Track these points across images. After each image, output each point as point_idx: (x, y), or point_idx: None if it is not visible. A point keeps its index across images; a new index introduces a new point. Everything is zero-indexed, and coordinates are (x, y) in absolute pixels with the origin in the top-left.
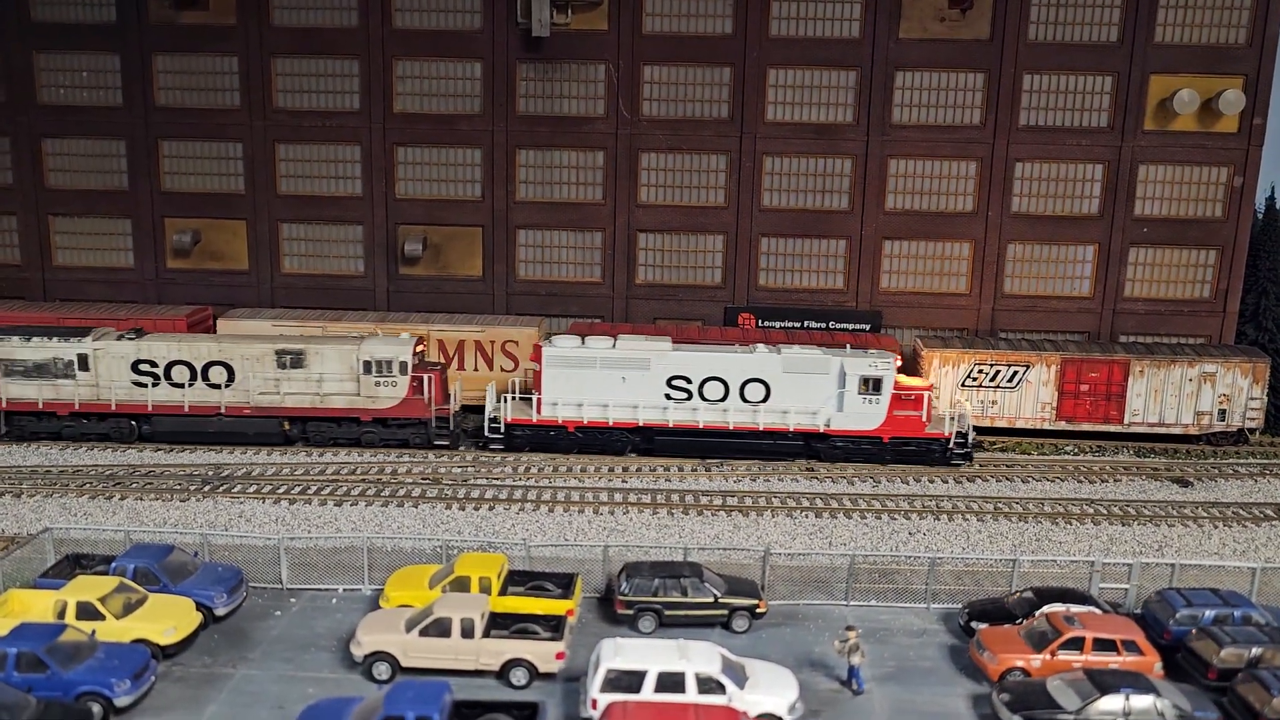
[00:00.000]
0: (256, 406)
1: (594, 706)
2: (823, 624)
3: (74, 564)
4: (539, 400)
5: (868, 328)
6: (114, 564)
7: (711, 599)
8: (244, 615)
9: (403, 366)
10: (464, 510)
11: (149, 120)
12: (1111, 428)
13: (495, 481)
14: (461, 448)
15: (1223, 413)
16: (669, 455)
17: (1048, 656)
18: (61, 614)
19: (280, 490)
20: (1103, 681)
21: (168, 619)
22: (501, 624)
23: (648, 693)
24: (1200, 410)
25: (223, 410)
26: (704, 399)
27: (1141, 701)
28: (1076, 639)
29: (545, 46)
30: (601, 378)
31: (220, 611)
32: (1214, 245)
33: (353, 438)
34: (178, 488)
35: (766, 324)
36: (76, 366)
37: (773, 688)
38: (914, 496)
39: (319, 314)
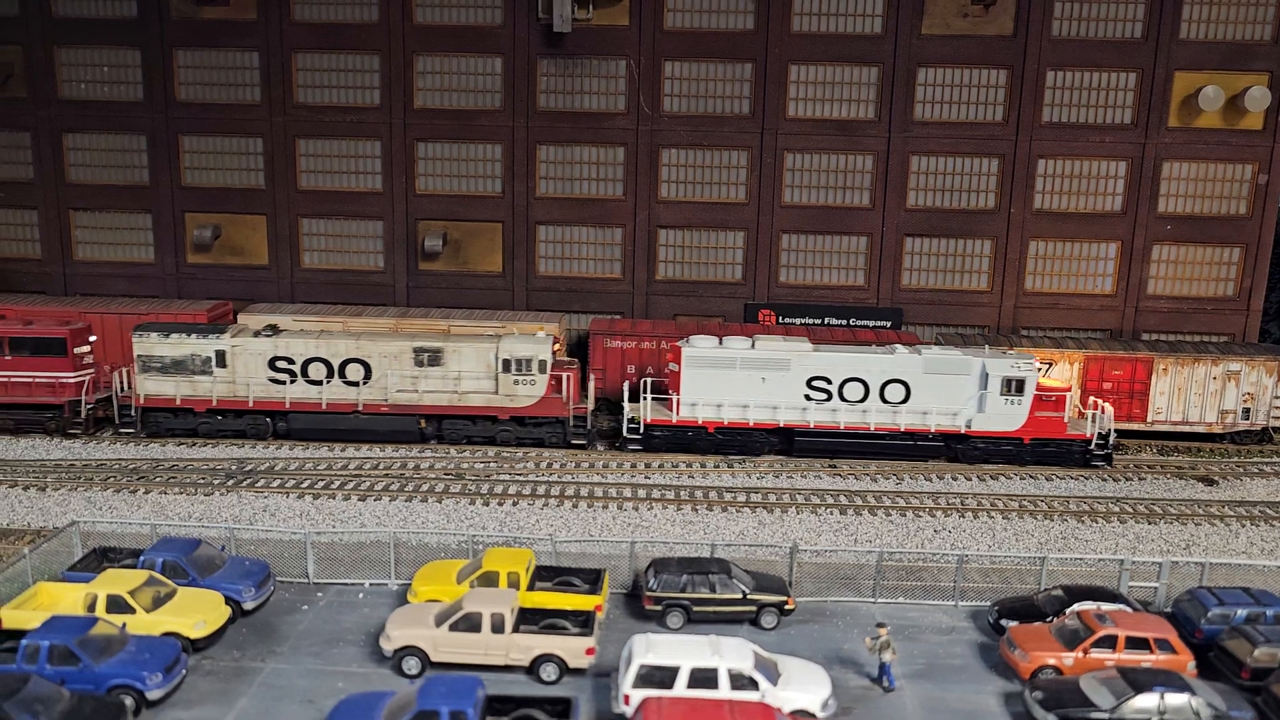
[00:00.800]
0: (394, 404)
1: (626, 702)
2: (851, 621)
3: (101, 557)
4: (677, 401)
5: (889, 325)
6: (142, 557)
7: (740, 595)
8: (272, 609)
9: (542, 365)
10: (488, 505)
11: (170, 115)
12: (1135, 425)
13: (519, 477)
14: (599, 448)
15: (1247, 411)
16: (808, 456)
17: (1080, 654)
18: (92, 607)
19: (304, 485)
20: (1137, 680)
21: (197, 613)
22: (530, 619)
23: (681, 689)
24: (1224, 409)
25: (360, 408)
26: (844, 400)
27: (1176, 700)
28: (1109, 637)
29: (566, 42)
30: (741, 378)
31: (248, 605)
32: (1238, 243)
33: (488, 436)
34: (202, 482)
35: (787, 320)
36: (214, 363)
37: (806, 684)
38: (938, 494)
39: (339, 309)
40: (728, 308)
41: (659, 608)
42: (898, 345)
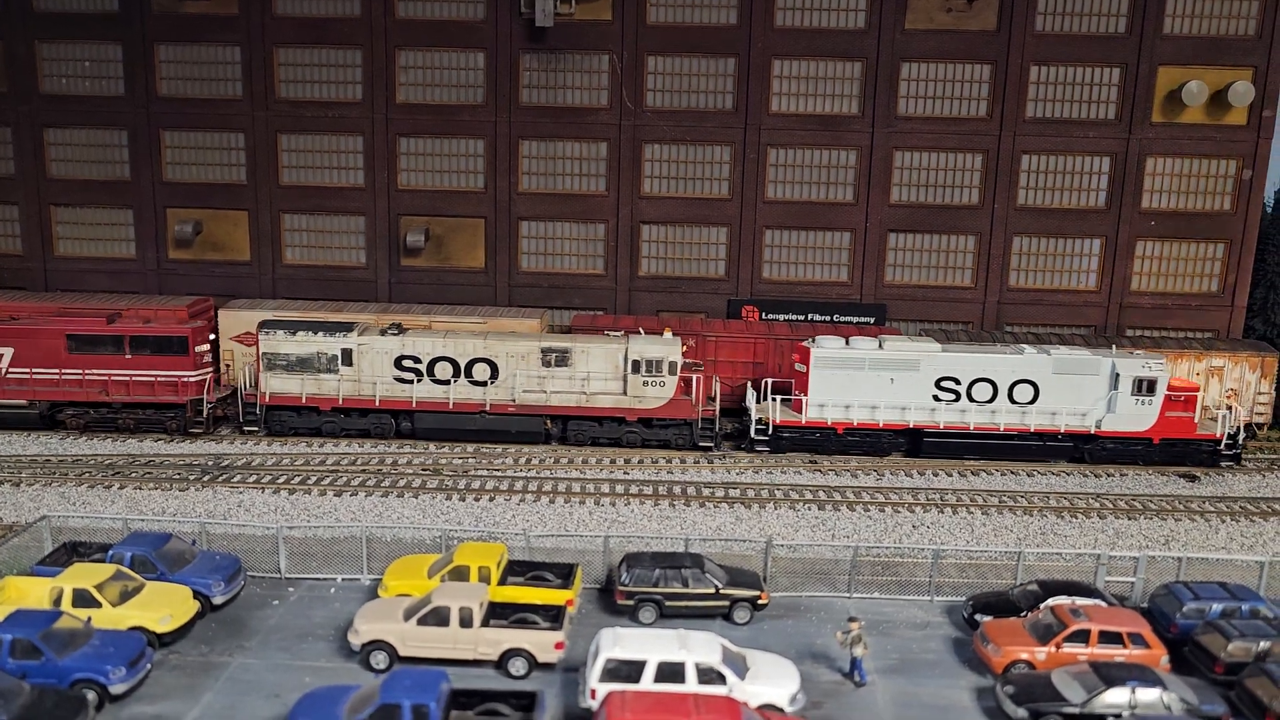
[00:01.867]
0: (521, 405)
1: (593, 696)
2: (825, 616)
3: (71, 552)
4: (805, 402)
5: (871, 321)
6: (111, 552)
7: (713, 590)
8: (242, 604)
9: (672, 367)
10: (464, 501)
11: (151, 110)
12: None
13: (496, 472)
14: (724, 449)
15: (1230, 407)
16: (937, 458)
17: (1053, 649)
18: (58, 601)
19: (280, 480)
20: (1109, 674)
21: (164, 607)
22: (500, 614)
23: (647, 682)
24: (1207, 404)
25: (487, 408)
26: (972, 400)
27: (1148, 695)
28: (1082, 631)
29: (549, 37)
30: (870, 379)
31: (218, 600)
32: (1222, 238)
33: (614, 438)
34: (177, 477)
35: (770, 317)
36: (340, 361)
37: (774, 678)
38: (917, 489)
39: (320, 305)
40: (711, 304)
41: (631, 602)
42: (1025, 345)
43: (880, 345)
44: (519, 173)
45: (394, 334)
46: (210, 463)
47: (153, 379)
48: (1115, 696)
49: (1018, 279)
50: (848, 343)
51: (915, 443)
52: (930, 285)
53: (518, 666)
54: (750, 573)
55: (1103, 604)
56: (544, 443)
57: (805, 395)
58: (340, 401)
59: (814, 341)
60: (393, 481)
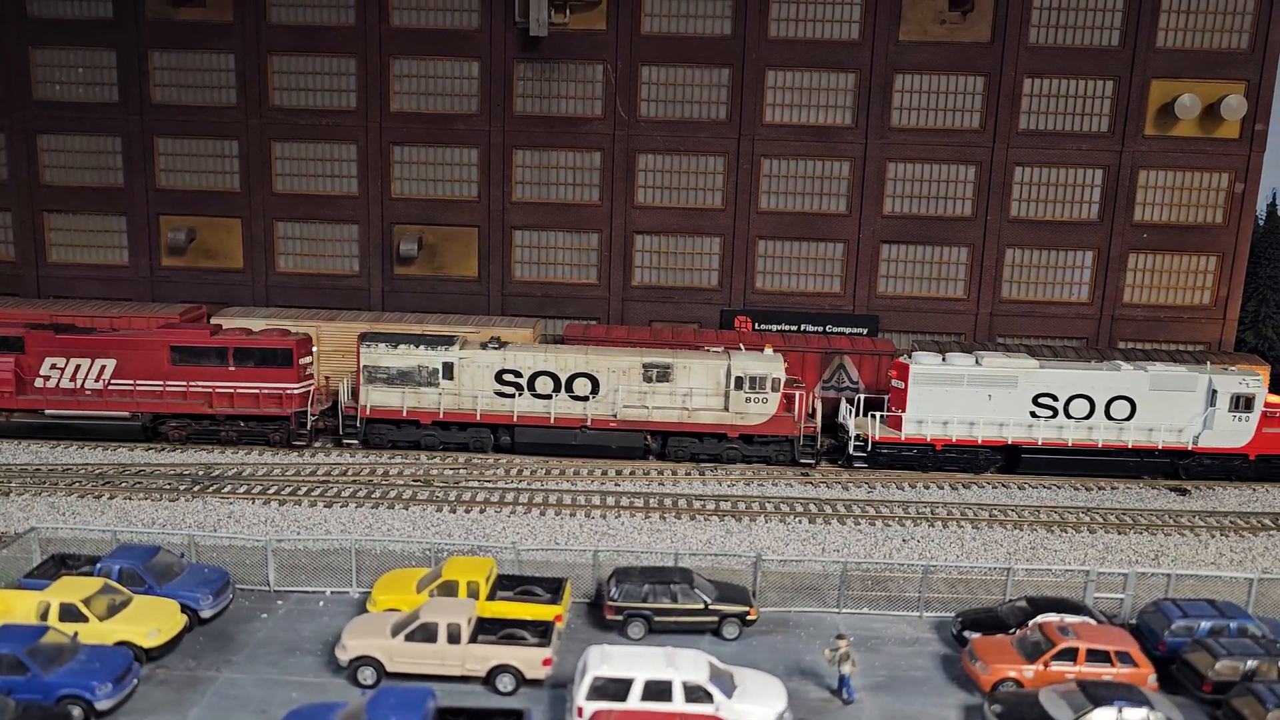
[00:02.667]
0: (623, 420)
1: (580, 714)
2: (814, 631)
3: (59, 564)
4: (903, 418)
5: (864, 331)
6: (99, 565)
7: (701, 605)
8: (230, 617)
9: (775, 383)
10: (454, 513)
11: (145, 117)
12: None
13: (487, 484)
14: (820, 465)
15: None
16: (1034, 474)
17: (1040, 667)
18: (45, 615)
19: (270, 491)
20: (1096, 693)
21: (151, 621)
22: (488, 629)
23: (634, 701)
24: None
25: (588, 423)
26: (1069, 416)
27: (1135, 714)
28: (1070, 650)
29: (543, 46)
30: (968, 395)
31: (206, 614)
32: (1214, 251)
33: (714, 454)
34: (167, 487)
35: (763, 327)
36: (441, 375)
37: (761, 697)
38: (908, 503)
39: (313, 313)
40: (704, 314)
41: (620, 617)
42: (1122, 362)
43: (978, 361)
44: (513, 182)
45: (495, 348)
46: (200, 473)
47: (257, 391)
48: (1102, 716)
49: (1010, 291)
50: (944, 359)
51: (1012, 459)
52: (923, 296)
53: (505, 683)
54: (739, 588)
55: (1091, 621)
56: (643, 459)
57: (903, 411)
58: (441, 415)
59: (912, 358)
60: (383, 493)
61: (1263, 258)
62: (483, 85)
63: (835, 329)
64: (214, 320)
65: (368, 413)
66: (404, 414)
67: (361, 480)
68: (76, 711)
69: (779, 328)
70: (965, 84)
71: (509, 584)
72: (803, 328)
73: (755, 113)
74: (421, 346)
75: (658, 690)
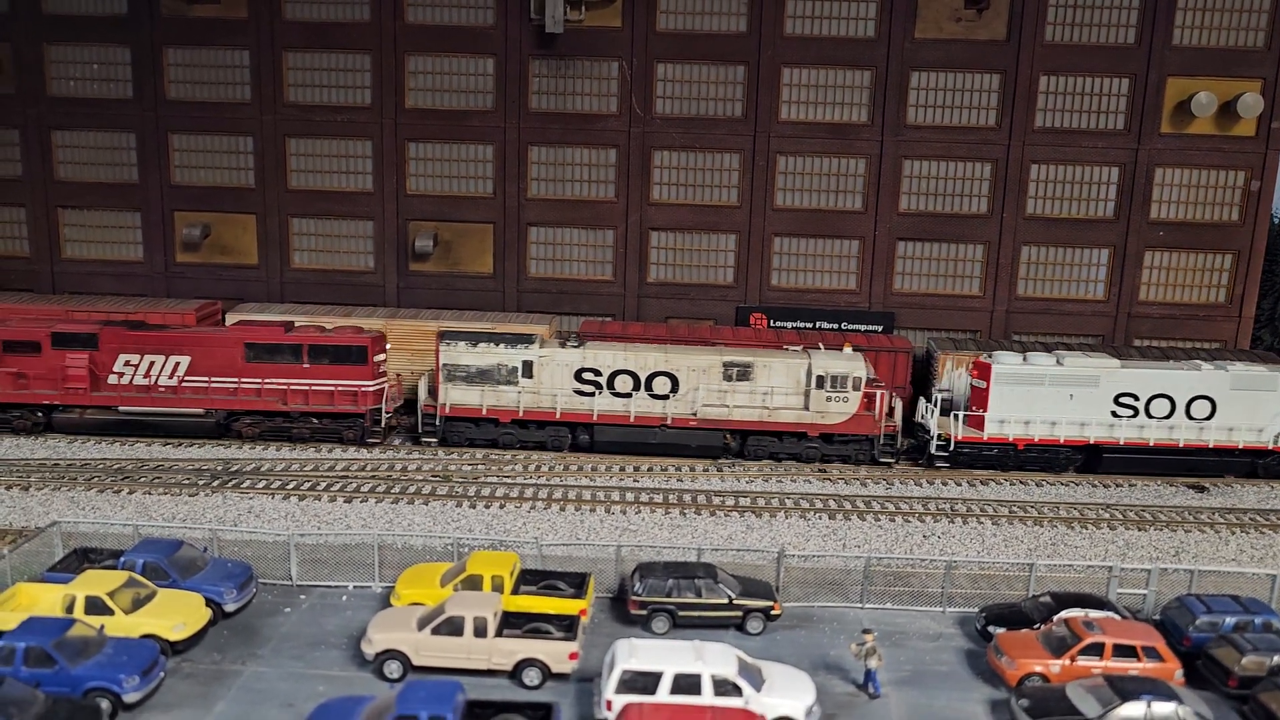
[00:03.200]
0: (702, 419)
1: (609, 708)
2: (838, 626)
3: (82, 558)
4: (986, 417)
5: (880, 329)
6: (123, 559)
7: (726, 600)
8: (253, 611)
9: (856, 382)
10: (474, 508)
11: (159, 113)
12: None
13: (506, 479)
14: (899, 464)
15: None
16: (1115, 473)
17: (1067, 662)
18: (70, 608)
19: (290, 486)
20: (1124, 688)
21: (177, 615)
22: (514, 623)
23: (663, 694)
24: None
25: (668, 421)
26: (1150, 416)
27: (1163, 709)
28: (1096, 644)
29: (558, 43)
30: (1050, 395)
31: (230, 608)
32: (1230, 249)
33: (794, 453)
34: (186, 482)
35: (778, 324)
36: (520, 373)
37: (789, 691)
38: (928, 499)
39: (329, 309)
40: (719, 310)
41: (644, 612)
42: (1202, 362)
43: (1059, 361)
44: (528, 178)
45: (575, 346)
46: (219, 467)
47: (332, 388)
48: (1130, 710)
49: (1026, 288)
50: (1025, 358)
51: (1092, 459)
52: (939, 294)
53: (532, 677)
54: (763, 583)
55: (1116, 617)
56: (722, 457)
57: (985, 411)
58: (520, 413)
59: (993, 357)
60: (403, 488)
61: (1278, 256)
62: (498, 82)
63: (850, 326)
64: (228, 315)
65: (447, 411)
66: (483, 412)
67: (380, 475)
68: (104, 704)
69: (794, 325)
70: (981, 81)
71: (532, 579)
72: (818, 325)
73: (771, 110)
74: (501, 345)
75: (687, 684)
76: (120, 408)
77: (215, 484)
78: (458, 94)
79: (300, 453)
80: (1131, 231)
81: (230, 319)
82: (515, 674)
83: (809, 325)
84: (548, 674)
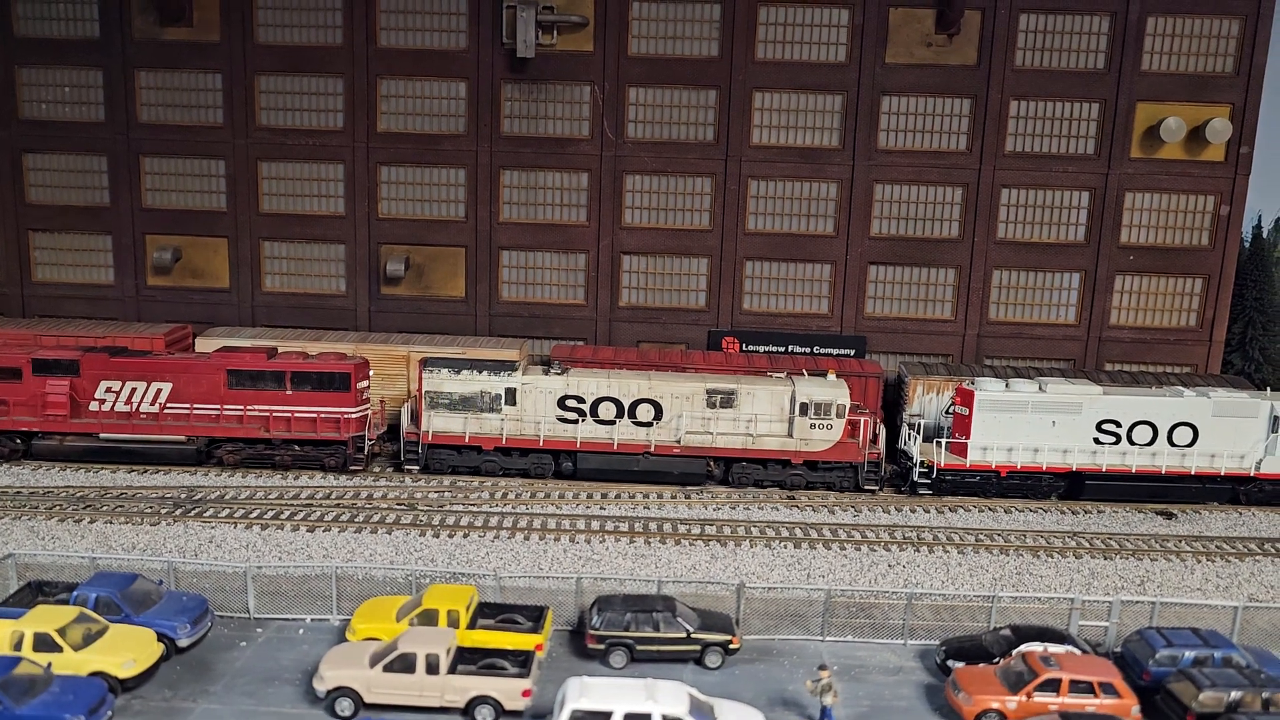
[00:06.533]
0: (686, 446)
1: None
2: (797, 660)
3: (36, 592)
4: (969, 445)
5: (852, 353)
6: (75, 593)
7: (684, 634)
8: (208, 646)
9: (840, 409)
10: (438, 538)
11: (131, 136)
12: None
13: (471, 508)
14: (882, 491)
15: None
16: (1098, 500)
17: (1024, 698)
18: (18, 645)
19: (253, 515)
20: None
21: (127, 651)
22: (468, 659)
23: None
24: None
25: (651, 449)
26: (1132, 443)
27: None
28: (1053, 680)
29: (530, 67)
30: (1032, 422)
31: (183, 642)
32: (1200, 274)
33: (778, 480)
34: (149, 510)
35: (750, 348)
36: (503, 400)
37: None
38: (895, 527)
39: (299, 333)
40: (691, 334)
41: (602, 646)
42: (1183, 389)
43: (1041, 388)
44: (500, 202)
45: (558, 373)
46: (183, 495)
47: (315, 415)
48: None
49: (998, 312)
50: (1008, 385)
51: (1075, 486)
52: (910, 318)
53: (484, 714)
54: (723, 616)
55: (1075, 651)
56: (704, 483)
57: (968, 438)
58: (504, 441)
59: (976, 384)
60: (366, 516)
61: (1248, 280)
62: (470, 106)
63: (822, 350)
64: (199, 340)
65: (429, 439)
66: (466, 440)
67: (345, 504)
68: None
69: (766, 349)
70: (952, 106)
71: (490, 612)
72: (790, 349)
73: (742, 134)
74: (484, 372)
75: None
76: (101, 434)
77: (178, 513)
78: (430, 118)
79: (266, 480)
80: (1102, 256)
81: (201, 343)
82: (468, 711)
83: (781, 349)
84: (501, 711)
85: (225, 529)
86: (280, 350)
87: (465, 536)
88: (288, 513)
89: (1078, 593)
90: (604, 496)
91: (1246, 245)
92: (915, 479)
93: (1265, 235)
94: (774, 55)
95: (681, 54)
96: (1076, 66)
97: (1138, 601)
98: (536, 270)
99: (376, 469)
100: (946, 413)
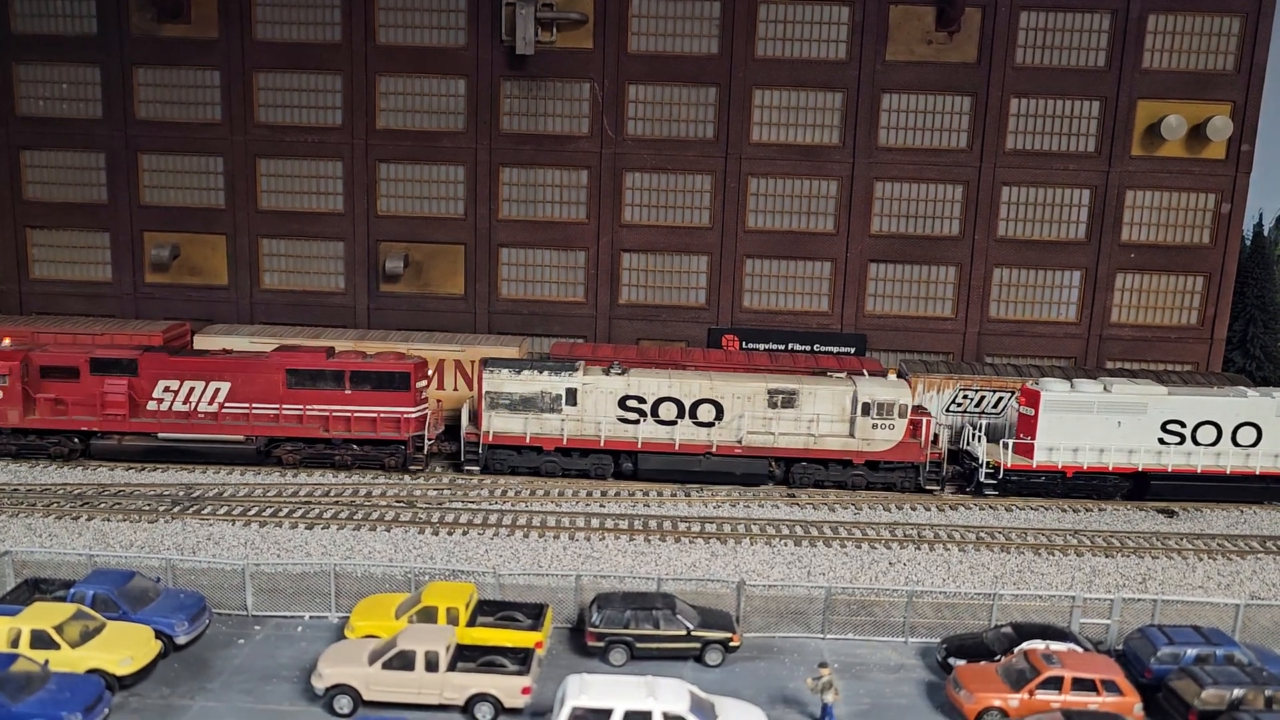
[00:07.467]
0: (748, 446)
1: None
2: (798, 658)
3: (33, 589)
4: (1035, 445)
5: (852, 351)
6: (72, 590)
7: (684, 632)
8: (206, 643)
9: (903, 409)
10: (437, 535)
11: (129, 133)
12: None
13: (470, 505)
14: (947, 492)
15: None
16: (1163, 500)
17: (1025, 696)
18: (15, 642)
19: (251, 512)
20: None
21: (125, 648)
22: (468, 656)
23: None
24: None
25: (713, 449)
26: (1196, 443)
27: None
28: (1055, 678)
29: (530, 64)
30: (1098, 422)
31: (181, 640)
32: (1201, 271)
33: (839, 481)
34: (147, 508)
35: (750, 346)
36: (564, 401)
37: None
38: (895, 525)
39: (297, 330)
40: (691, 332)
41: (602, 644)
42: (1247, 389)
43: (1106, 388)
44: (499, 199)
45: (619, 373)
46: (180, 493)
47: (375, 415)
48: None
49: (998, 310)
50: (1073, 385)
51: (1140, 486)
52: (911, 316)
53: (484, 712)
54: (723, 613)
55: (1077, 648)
56: (766, 483)
57: (1033, 439)
58: (564, 441)
59: (1041, 384)
60: (366, 514)
61: (1249, 278)
62: (469, 103)
63: (822, 348)
64: (197, 337)
65: (490, 439)
66: (526, 440)
67: (344, 501)
68: None
69: (766, 346)
70: (952, 104)
71: (490, 609)
72: (790, 347)
73: (742, 132)
74: (545, 372)
75: None
76: (159, 434)
77: (175, 510)
78: (429, 115)
79: (264, 477)
80: (1103, 254)
81: (199, 341)
82: (467, 709)
83: (781, 347)
84: (500, 709)
85: (223, 526)
86: (338, 350)
87: (464, 534)
88: (286, 510)
89: (1079, 590)
90: (604, 494)
91: (1247, 243)
92: (981, 480)
93: (1266, 233)
94: (774, 52)
95: (681, 51)
96: (1077, 64)
97: (1139, 599)
98: (536, 268)
99: (438, 469)
100: (955, 408)
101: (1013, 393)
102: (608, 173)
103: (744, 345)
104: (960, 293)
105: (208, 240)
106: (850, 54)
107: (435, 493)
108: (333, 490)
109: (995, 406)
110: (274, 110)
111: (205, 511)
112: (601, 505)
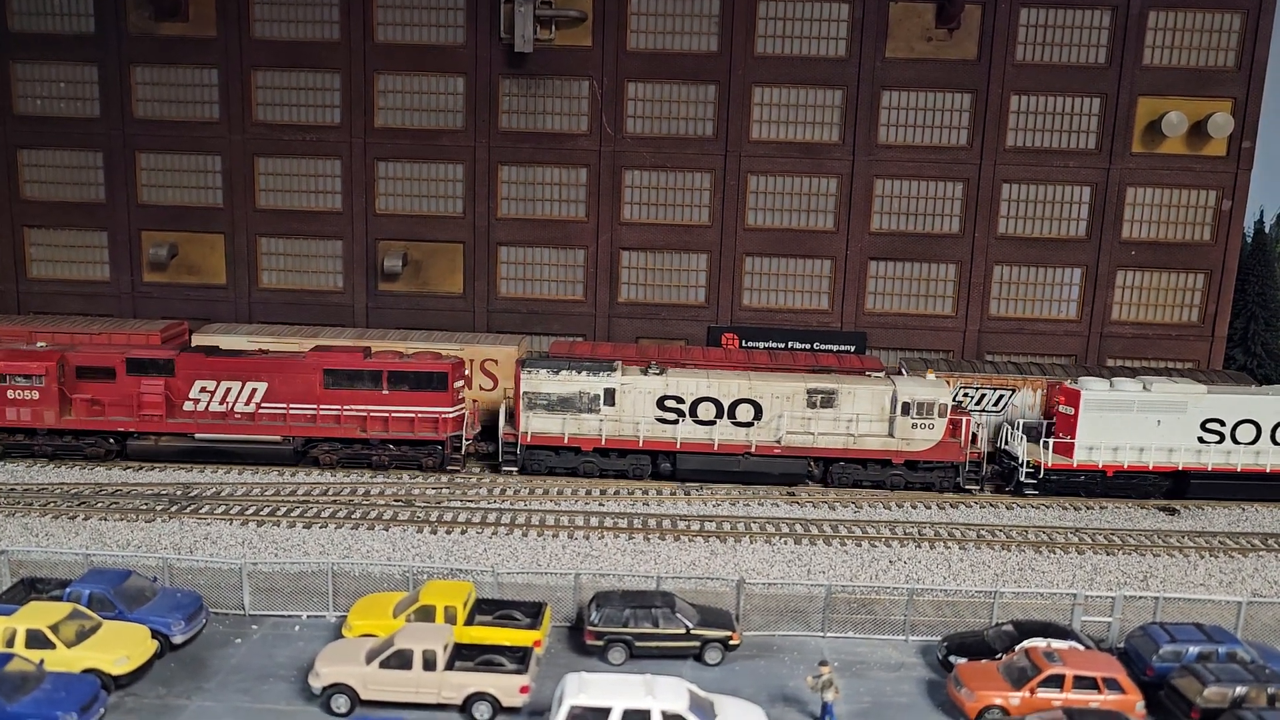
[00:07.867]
0: (787, 446)
1: None
2: (798, 656)
3: (29, 588)
4: (1075, 445)
5: (852, 349)
6: (69, 589)
7: (683, 630)
8: (203, 643)
9: (942, 409)
10: (435, 534)
11: (127, 132)
12: None
13: (469, 504)
14: (985, 491)
15: None
16: (1203, 498)
17: (1027, 694)
18: (10, 642)
19: (249, 511)
20: None
21: (120, 648)
22: (466, 655)
23: None
24: None
25: (752, 449)
26: (1236, 442)
27: None
28: (1056, 676)
29: (529, 62)
30: (1137, 421)
31: (177, 639)
32: (1202, 269)
33: (878, 480)
34: (144, 508)
35: (750, 344)
36: (602, 401)
37: None
38: (895, 523)
39: (296, 329)
40: (690, 330)
41: (600, 643)
42: None
43: (1146, 387)
44: (498, 198)
45: (657, 373)
46: (178, 492)
47: (413, 415)
48: None
49: (998, 308)
50: (1112, 385)
51: (1179, 485)
52: (911, 314)
53: (482, 711)
54: (722, 612)
55: (1078, 646)
56: (800, 483)
57: (1073, 438)
58: (603, 442)
59: (1081, 383)
60: (363, 513)
61: (1250, 275)
62: (468, 101)
63: (822, 346)
64: (195, 336)
65: (528, 440)
66: (565, 441)
67: (342, 500)
68: None
69: (766, 345)
70: (952, 101)
71: (488, 608)
72: (790, 345)
73: (742, 129)
74: (583, 372)
75: (637, 719)
76: (196, 434)
77: (172, 509)
78: (427, 113)
79: (260, 477)
80: (1103, 251)
81: (198, 339)
82: (465, 708)
83: (781, 345)
84: (498, 708)
85: (220, 525)
86: (375, 350)
87: (463, 533)
88: (284, 509)
89: (1081, 588)
90: (603, 493)
91: (1248, 240)
92: (1021, 479)
93: (1267, 230)
94: (773, 50)
95: (680, 49)
96: (1077, 61)
97: (1141, 597)
98: (535, 266)
99: (477, 469)
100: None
101: (1013, 390)
102: (607, 171)
103: (744, 343)
104: (960, 290)
105: (206, 239)
106: (850, 51)
107: (433, 492)
108: (330, 489)
109: (996, 404)
110: (272, 109)
111: (202, 511)
112: (600, 504)
